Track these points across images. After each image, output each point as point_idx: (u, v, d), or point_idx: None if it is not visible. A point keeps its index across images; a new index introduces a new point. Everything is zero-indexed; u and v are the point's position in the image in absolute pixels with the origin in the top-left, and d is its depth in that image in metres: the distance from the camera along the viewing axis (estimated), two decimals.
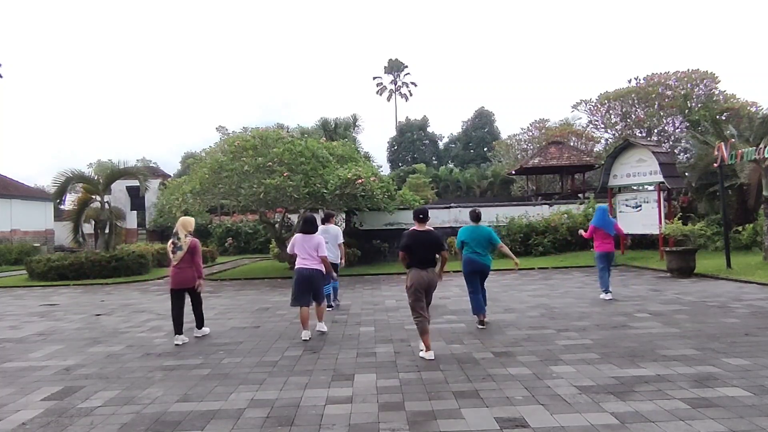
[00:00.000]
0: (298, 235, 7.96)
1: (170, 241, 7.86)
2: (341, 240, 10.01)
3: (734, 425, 4.04)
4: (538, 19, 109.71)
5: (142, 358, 6.83)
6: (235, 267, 21.87)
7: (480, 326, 8.03)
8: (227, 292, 13.63)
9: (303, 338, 7.57)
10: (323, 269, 7.87)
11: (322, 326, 8.06)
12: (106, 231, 19.65)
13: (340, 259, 9.92)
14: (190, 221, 8.01)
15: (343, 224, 22.14)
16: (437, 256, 6.58)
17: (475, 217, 8.40)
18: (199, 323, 8.16)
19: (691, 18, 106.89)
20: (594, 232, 10.26)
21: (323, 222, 10.15)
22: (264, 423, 4.42)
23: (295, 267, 7.86)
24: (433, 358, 6.24)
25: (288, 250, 8.22)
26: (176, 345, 7.55)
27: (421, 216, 6.64)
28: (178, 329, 7.72)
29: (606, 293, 10.14)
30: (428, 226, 6.68)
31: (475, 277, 8.13)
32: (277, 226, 19.74)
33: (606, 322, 8.03)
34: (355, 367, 6.02)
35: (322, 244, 7.89)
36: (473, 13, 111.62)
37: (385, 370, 5.88)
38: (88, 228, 22.70)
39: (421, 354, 6.37)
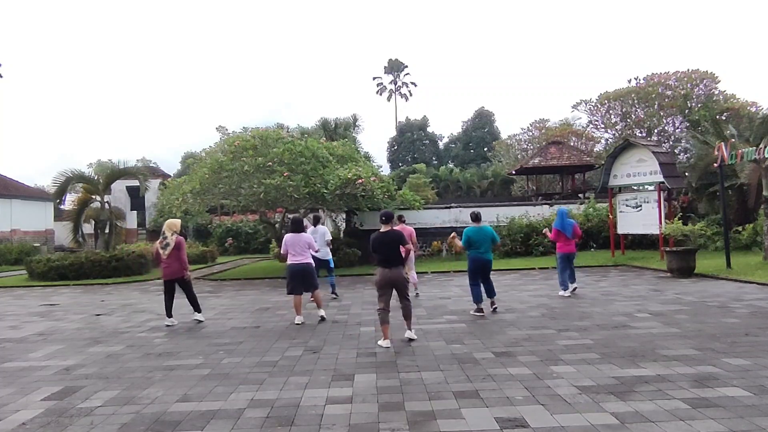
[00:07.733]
0: (288, 235, 8.92)
1: (159, 240, 9.01)
2: (329, 237, 11.81)
3: (734, 425, 4.04)
4: (538, 19, 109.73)
5: (142, 358, 6.83)
6: (235, 267, 21.87)
7: (477, 313, 8.88)
8: (227, 292, 13.63)
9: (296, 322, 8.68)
10: (313, 263, 8.97)
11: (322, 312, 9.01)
12: (106, 231, 19.67)
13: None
14: (177, 222, 9.21)
15: (344, 224, 22.17)
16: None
17: (476, 217, 9.27)
18: (195, 308, 9.24)
19: (691, 18, 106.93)
20: (557, 234, 10.83)
21: (314, 224, 11.69)
22: (264, 423, 4.42)
23: (288, 263, 8.85)
24: (389, 346, 6.84)
25: (282, 250, 9.13)
26: (167, 326, 8.86)
27: (384, 218, 7.38)
28: (168, 313, 9.03)
29: (564, 290, 10.76)
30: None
31: (478, 272, 9.04)
32: (277, 226, 19.73)
33: (606, 322, 8.02)
34: (355, 367, 6.01)
35: (311, 242, 9.02)
36: (473, 13, 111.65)
37: (385, 370, 5.88)
38: (88, 228, 22.70)
39: (379, 342, 7.02)
